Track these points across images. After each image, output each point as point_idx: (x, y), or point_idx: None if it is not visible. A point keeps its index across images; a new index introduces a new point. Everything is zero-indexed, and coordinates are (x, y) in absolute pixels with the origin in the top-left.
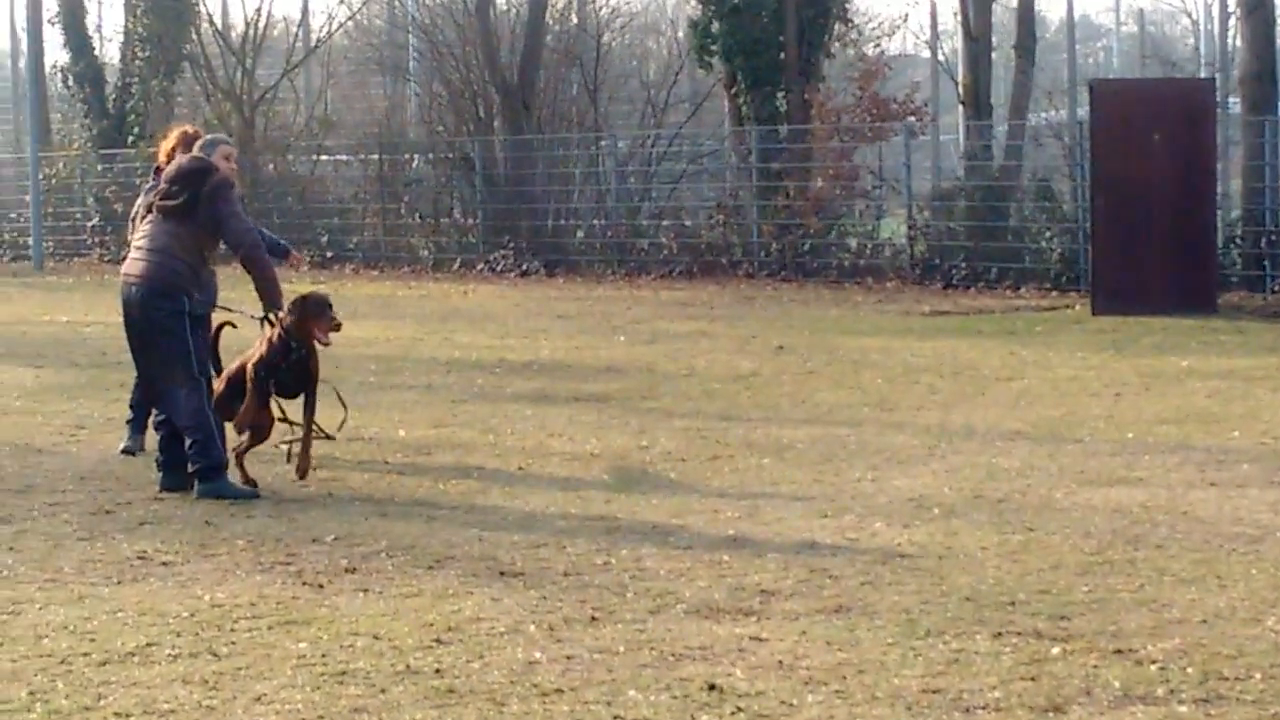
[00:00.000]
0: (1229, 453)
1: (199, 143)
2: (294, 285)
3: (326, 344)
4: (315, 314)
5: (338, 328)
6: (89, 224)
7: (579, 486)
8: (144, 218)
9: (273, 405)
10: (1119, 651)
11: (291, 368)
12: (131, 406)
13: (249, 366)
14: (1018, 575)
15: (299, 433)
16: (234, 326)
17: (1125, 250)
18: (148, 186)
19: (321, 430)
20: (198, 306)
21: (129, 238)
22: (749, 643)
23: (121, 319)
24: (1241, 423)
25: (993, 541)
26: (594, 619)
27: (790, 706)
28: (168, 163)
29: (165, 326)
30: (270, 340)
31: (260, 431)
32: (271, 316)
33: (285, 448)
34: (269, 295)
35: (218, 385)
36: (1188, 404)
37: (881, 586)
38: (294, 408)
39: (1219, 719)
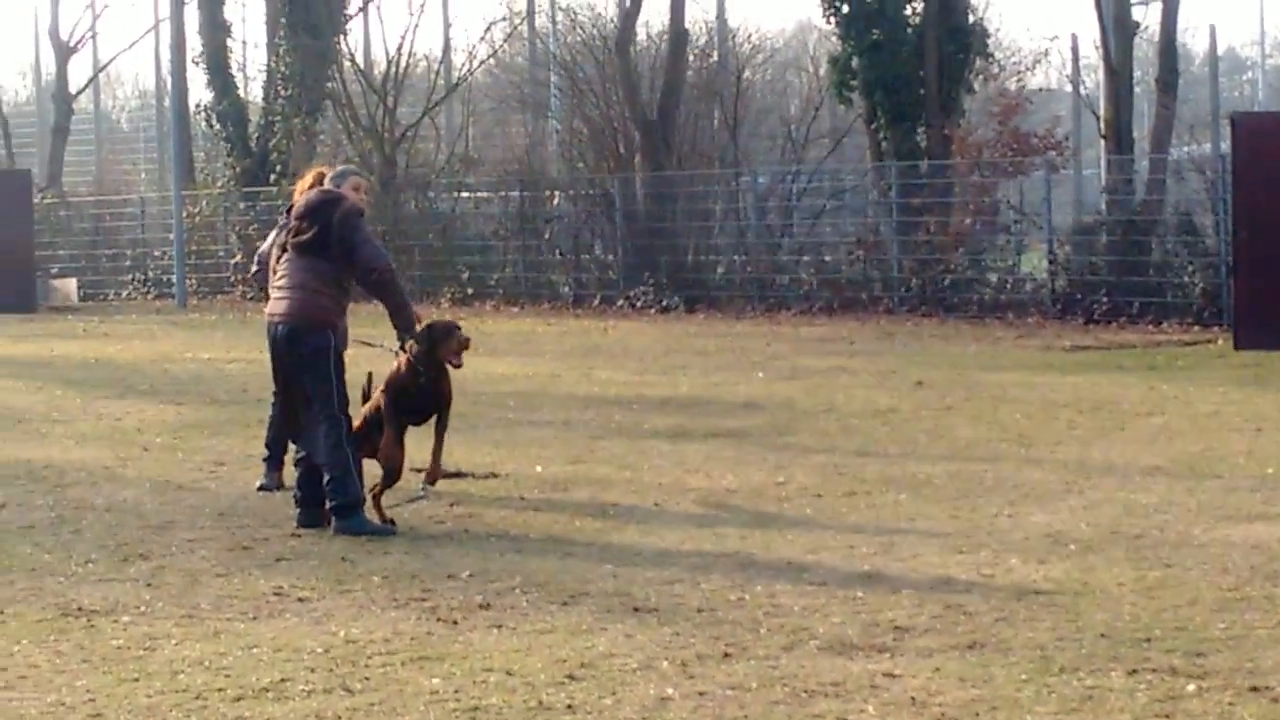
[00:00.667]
0: None
1: (329, 175)
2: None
3: (458, 365)
4: (442, 338)
5: (467, 345)
6: (231, 261)
7: (714, 523)
8: (279, 258)
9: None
10: (1255, 689)
11: (420, 391)
12: (268, 444)
13: (380, 402)
14: (1154, 612)
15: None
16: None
17: (1268, 284)
18: (280, 224)
19: (459, 469)
20: (342, 341)
21: (251, 275)
22: (882, 679)
23: (268, 356)
24: None
25: (1129, 578)
26: (727, 655)
27: None
28: None
29: (311, 363)
30: (399, 368)
31: (394, 470)
32: (406, 345)
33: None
34: (404, 320)
35: (357, 422)
36: None
37: (1016, 623)
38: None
39: None
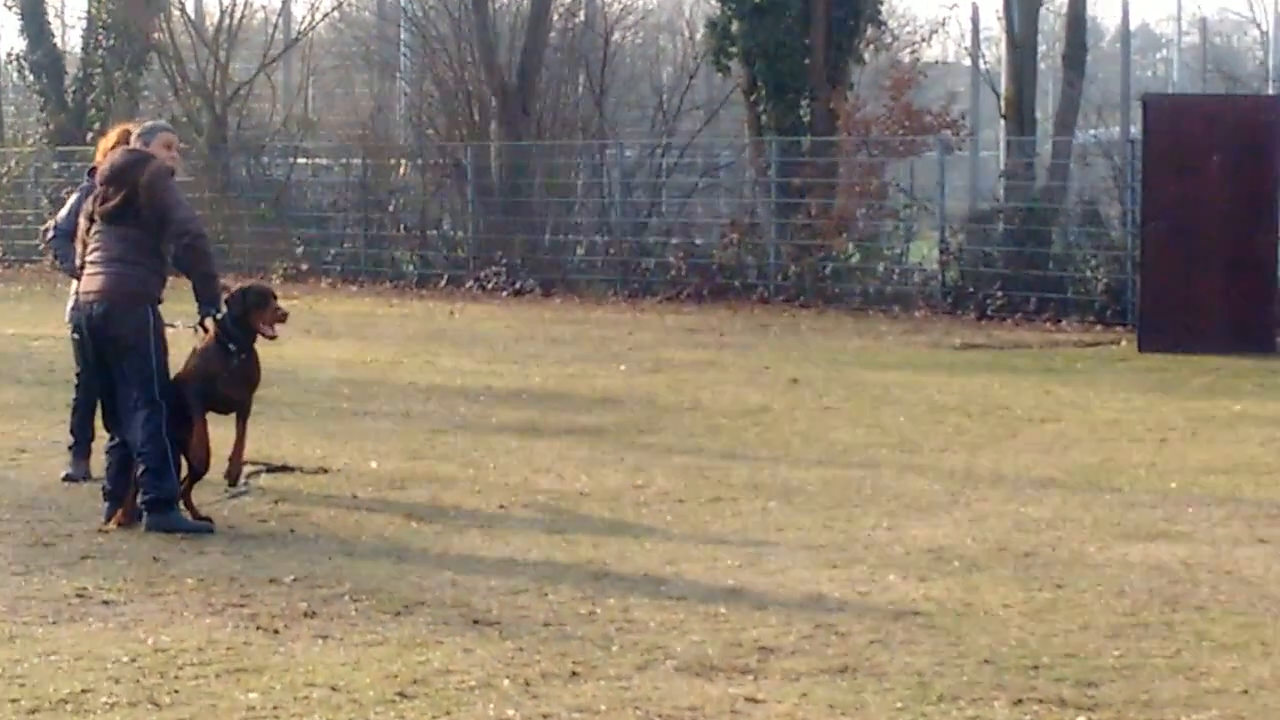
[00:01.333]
0: None
1: (136, 131)
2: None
3: (272, 337)
4: (257, 304)
5: (283, 318)
6: (42, 228)
7: (565, 529)
8: (89, 229)
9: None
10: None
11: (232, 375)
12: (73, 430)
13: (183, 381)
14: (1043, 636)
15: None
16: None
17: (1177, 282)
18: (83, 188)
19: (286, 463)
20: (161, 318)
21: (46, 243)
22: (744, 704)
23: (72, 335)
24: None
25: (1017, 599)
26: (574, 674)
27: None
28: None
29: (130, 344)
30: (206, 347)
31: (202, 462)
32: (209, 322)
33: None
34: (209, 292)
35: None
36: (1239, 452)
37: (892, 645)
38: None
39: None
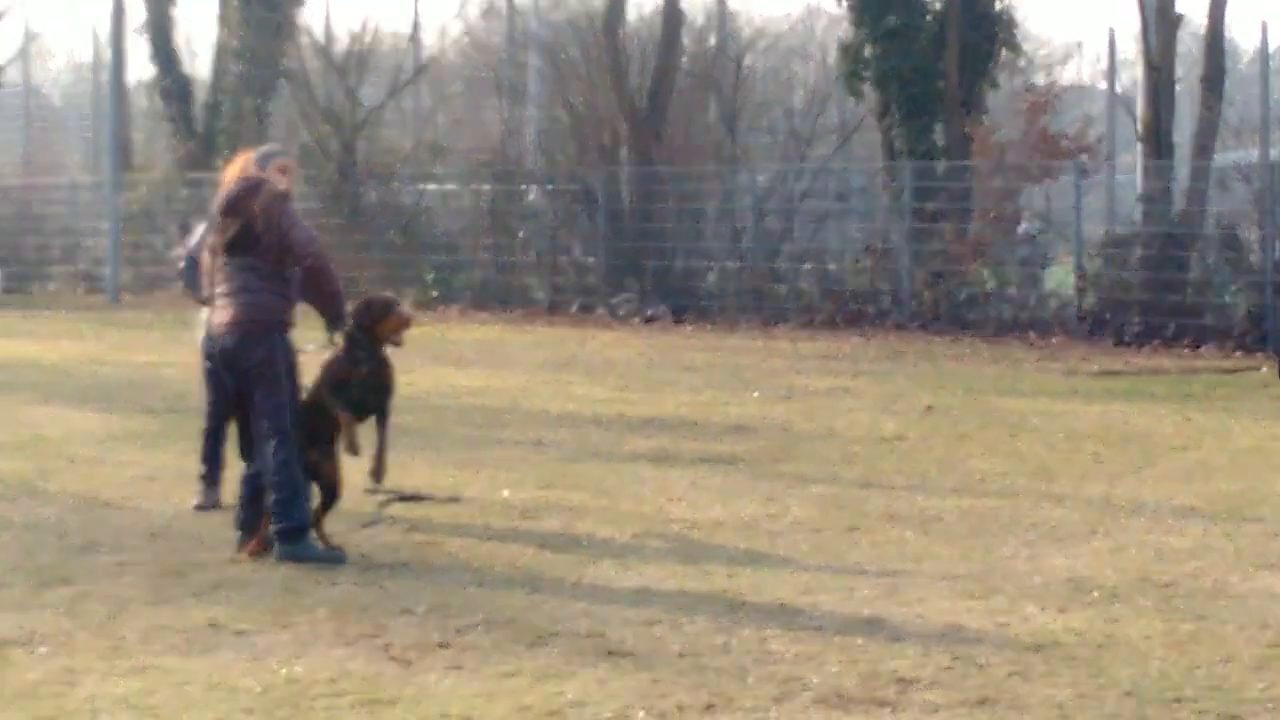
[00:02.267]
0: None
1: (252, 156)
2: None
3: (399, 344)
4: (381, 315)
5: (409, 323)
6: (171, 254)
7: (700, 558)
8: (214, 261)
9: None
10: None
11: (365, 381)
12: (204, 459)
13: (317, 391)
14: (1185, 668)
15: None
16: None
17: None
18: (212, 214)
19: (418, 491)
20: (291, 347)
21: (178, 272)
22: None
23: (203, 365)
24: None
25: (1158, 630)
26: (710, 706)
27: None
28: None
29: (261, 373)
30: (334, 358)
31: (332, 490)
32: (337, 337)
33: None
34: (335, 309)
35: None
36: None
37: (1032, 677)
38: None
39: None
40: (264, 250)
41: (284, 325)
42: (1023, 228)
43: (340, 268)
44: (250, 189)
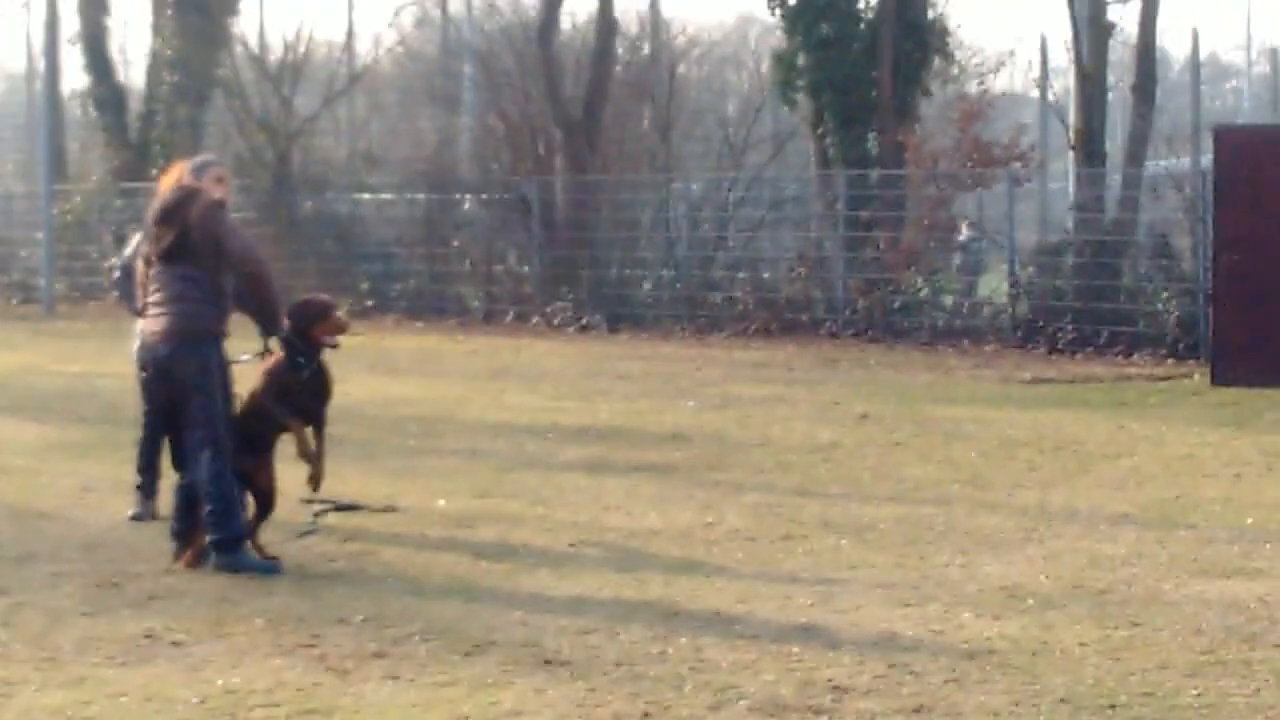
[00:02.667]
0: None
1: (187, 166)
2: None
3: (334, 346)
4: (318, 316)
5: (344, 327)
6: (106, 264)
7: (635, 567)
8: (147, 271)
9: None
10: None
11: (304, 387)
12: (139, 469)
13: (258, 400)
14: (1119, 675)
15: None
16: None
17: (1250, 315)
18: (145, 226)
19: (354, 502)
20: (225, 357)
21: (112, 282)
22: None
23: (138, 374)
24: None
25: (1093, 637)
26: (646, 715)
27: None
28: None
29: (194, 384)
30: (275, 364)
31: (267, 500)
32: (273, 343)
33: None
34: (271, 317)
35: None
36: None
37: (968, 685)
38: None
39: None
40: (199, 259)
41: (218, 335)
42: (964, 235)
43: (276, 277)
44: (186, 198)
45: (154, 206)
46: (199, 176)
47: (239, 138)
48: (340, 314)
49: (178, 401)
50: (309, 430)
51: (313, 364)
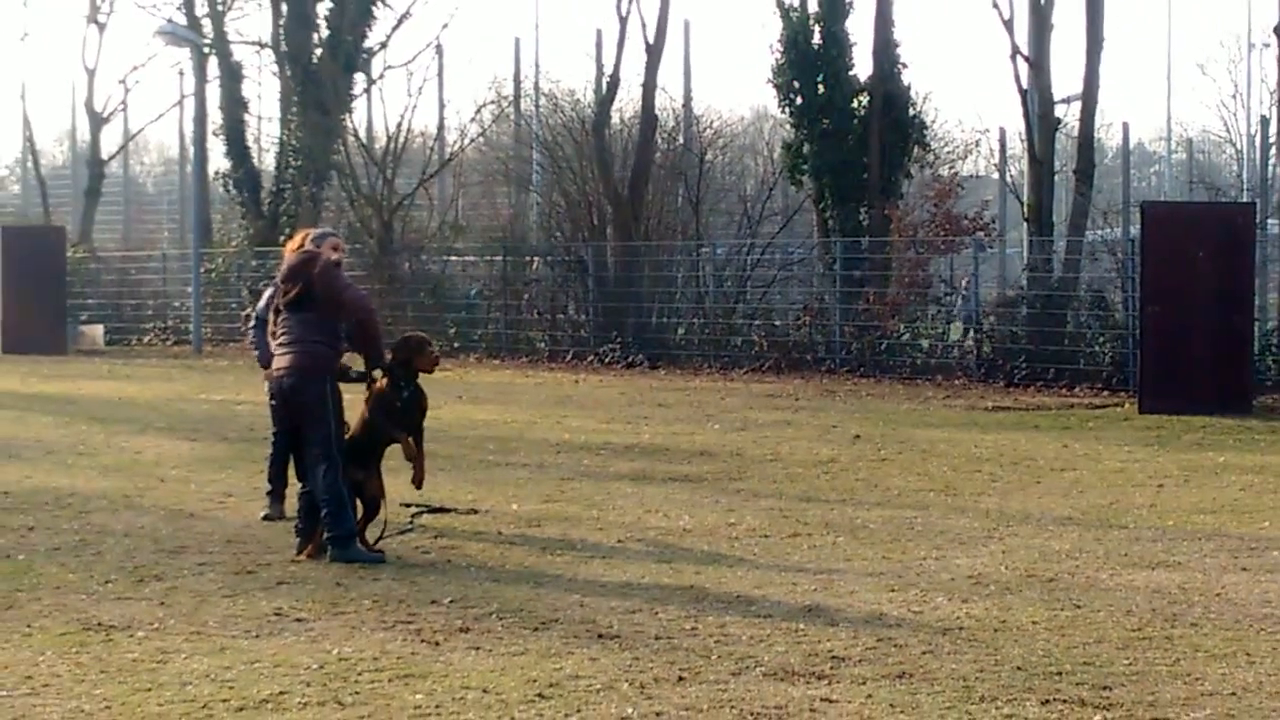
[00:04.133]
0: (1260, 541)
1: (309, 235)
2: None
3: (430, 372)
4: (418, 350)
5: (438, 361)
6: (243, 313)
7: (672, 559)
8: (275, 320)
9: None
10: None
11: (405, 404)
12: (270, 479)
13: (367, 419)
14: (1065, 648)
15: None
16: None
17: (1171, 355)
18: (274, 284)
19: (444, 505)
20: (338, 388)
21: (246, 331)
22: (820, 704)
23: (268, 402)
24: (1272, 514)
25: (1043, 616)
26: (681, 679)
27: None
28: None
29: (312, 410)
30: (380, 390)
31: (375, 505)
32: (376, 374)
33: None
34: (376, 354)
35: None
36: (1224, 496)
37: (941, 655)
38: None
39: None
40: (319, 307)
41: (332, 370)
42: (964, 289)
43: (381, 322)
44: (309, 260)
45: (283, 267)
46: (319, 244)
47: (351, 211)
48: (434, 348)
49: (299, 424)
50: (410, 439)
51: (411, 386)
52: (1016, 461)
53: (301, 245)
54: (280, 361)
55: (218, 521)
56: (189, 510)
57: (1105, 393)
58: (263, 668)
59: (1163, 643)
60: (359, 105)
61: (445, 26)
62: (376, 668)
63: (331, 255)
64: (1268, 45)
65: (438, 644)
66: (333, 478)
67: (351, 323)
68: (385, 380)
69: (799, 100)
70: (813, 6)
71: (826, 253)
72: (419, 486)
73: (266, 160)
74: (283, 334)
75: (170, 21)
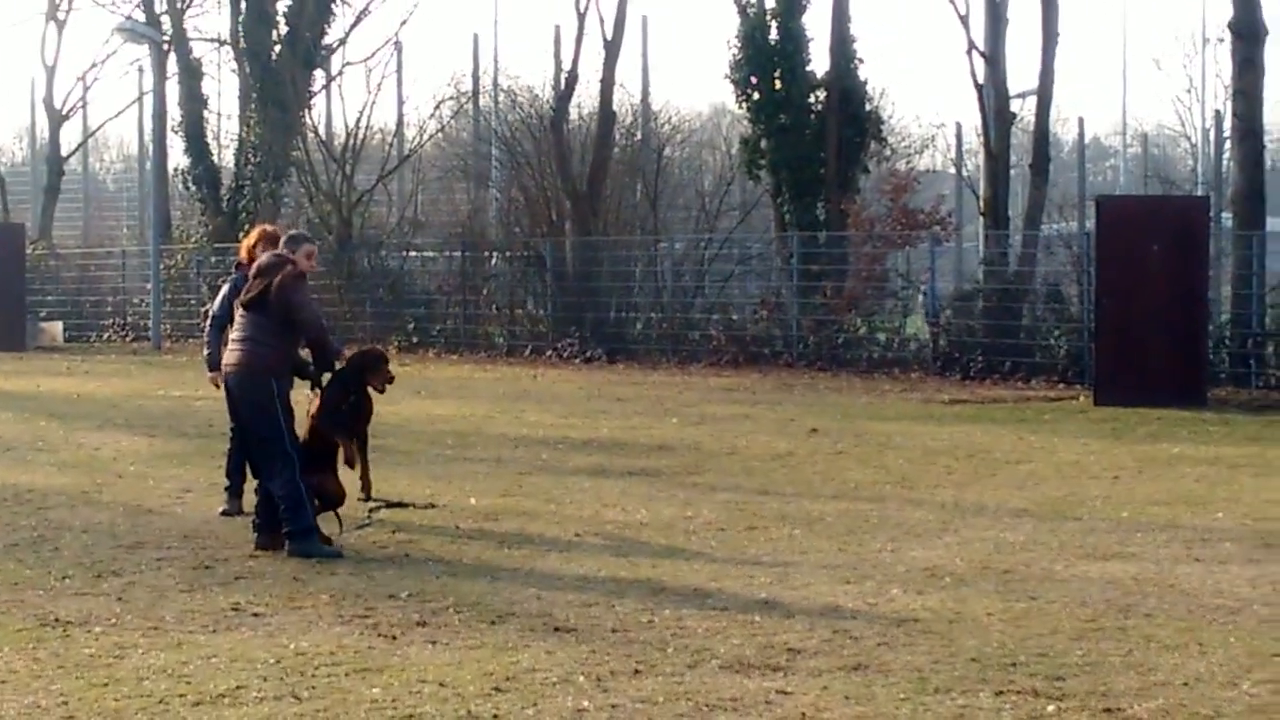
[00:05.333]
0: (1213, 532)
1: (283, 238)
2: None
3: (381, 391)
4: (373, 365)
5: (391, 380)
6: (203, 310)
7: (629, 552)
8: (235, 315)
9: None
10: (1109, 710)
11: (350, 409)
12: (229, 474)
13: (312, 422)
14: (1019, 639)
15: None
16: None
17: (1125, 348)
18: (232, 278)
19: (401, 500)
20: (285, 387)
21: (206, 328)
22: (776, 696)
23: (226, 400)
24: (1225, 505)
25: (998, 608)
26: (637, 672)
27: None
28: (249, 259)
29: (260, 407)
30: (324, 398)
31: (333, 500)
32: (325, 378)
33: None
34: (325, 365)
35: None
36: (1177, 487)
37: (896, 647)
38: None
39: None
40: (271, 312)
41: (277, 372)
42: (924, 285)
43: (339, 319)
44: (278, 264)
45: (256, 263)
46: (293, 250)
47: (310, 207)
48: (389, 368)
49: (245, 421)
50: (354, 444)
51: (358, 393)
52: (972, 454)
53: (261, 239)
54: (228, 358)
55: (176, 517)
56: (147, 506)
57: (1061, 385)
58: (220, 662)
59: (1116, 634)
60: (318, 102)
61: (404, 23)
62: (333, 662)
63: (304, 263)
64: (1222, 40)
65: (395, 638)
66: (290, 474)
67: (305, 340)
68: (331, 385)
69: (756, 96)
70: (769, 2)
71: (784, 247)
72: (367, 496)
73: (226, 157)
74: (236, 330)
75: (129, 18)
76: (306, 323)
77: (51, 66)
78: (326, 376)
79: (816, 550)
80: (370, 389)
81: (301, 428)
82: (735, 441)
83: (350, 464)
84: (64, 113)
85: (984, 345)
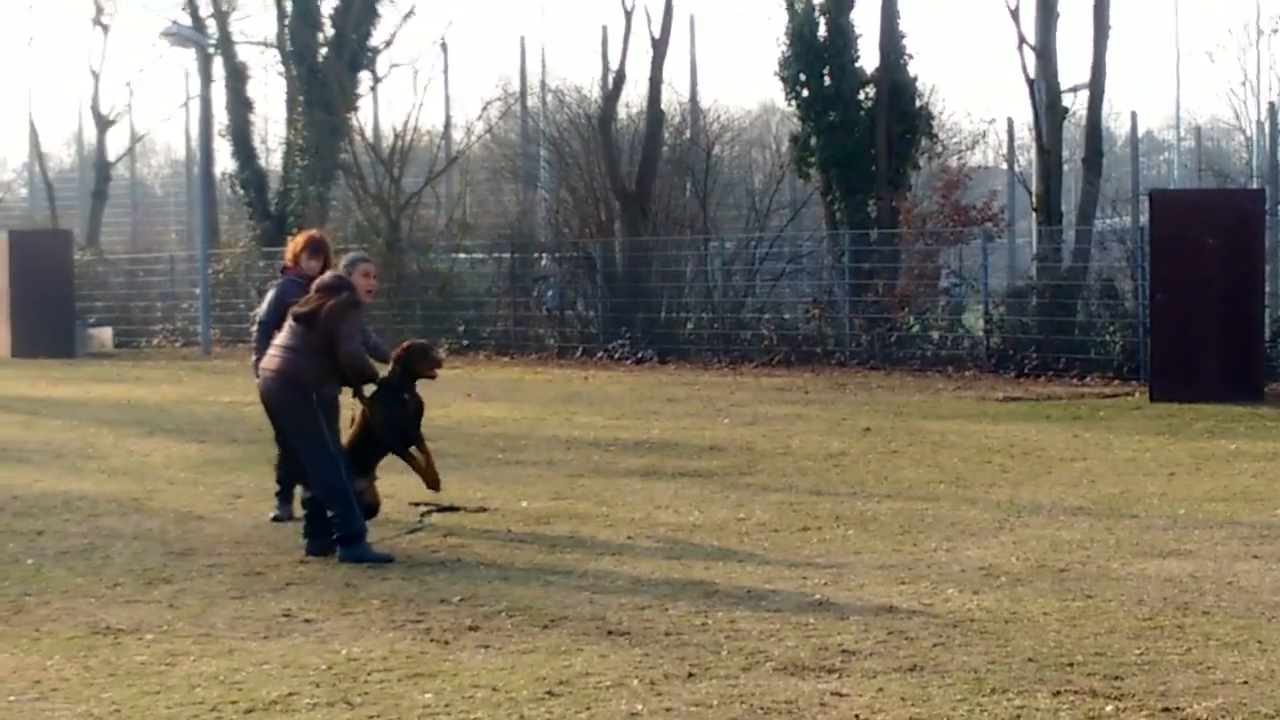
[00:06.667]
0: (1272, 528)
1: (344, 260)
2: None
3: (433, 378)
4: (420, 357)
5: (440, 363)
6: (251, 314)
7: (681, 554)
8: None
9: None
10: (1167, 710)
11: (411, 416)
12: (279, 480)
13: (363, 431)
14: (1076, 639)
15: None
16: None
17: (1181, 343)
18: (277, 282)
19: (452, 503)
20: (326, 395)
21: (253, 334)
22: (830, 698)
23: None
24: None
25: (1054, 607)
26: (691, 675)
27: None
28: (294, 263)
29: (295, 415)
30: (382, 401)
31: (366, 510)
32: (366, 390)
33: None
34: (361, 384)
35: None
36: (1235, 483)
37: (952, 647)
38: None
39: None
40: (315, 329)
41: (310, 385)
42: (953, 282)
43: (388, 322)
44: (337, 287)
45: (319, 279)
46: (350, 271)
47: (358, 210)
48: (436, 352)
49: (280, 427)
50: (414, 450)
51: (411, 394)
52: (1027, 452)
53: (306, 245)
54: (266, 363)
55: (226, 523)
56: (197, 512)
57: (1116, 382)
58: (271, 669)
59: (1174, 632)
60: (365, 104)
61: (450, 24)
62: (385, 667)
63: (362, 284)
64: (1276, 31)
65: (447, 643)
66: (334, 478)
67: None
68: (378, 399)
69: (805, 93)
70: None
71: (835, 245)
72: (437, 489)
73: (273, 160)
74: (282, 336)
75: (175, 23)
76: (345, 355)
77: (98, 72)
78: (370, 387)
79: (871, 550)
80: (425, 378)
81: (344, 434)
82: (788, 441)
83: (422, 472)
84: (110, 118)
85: (1038, 342)
